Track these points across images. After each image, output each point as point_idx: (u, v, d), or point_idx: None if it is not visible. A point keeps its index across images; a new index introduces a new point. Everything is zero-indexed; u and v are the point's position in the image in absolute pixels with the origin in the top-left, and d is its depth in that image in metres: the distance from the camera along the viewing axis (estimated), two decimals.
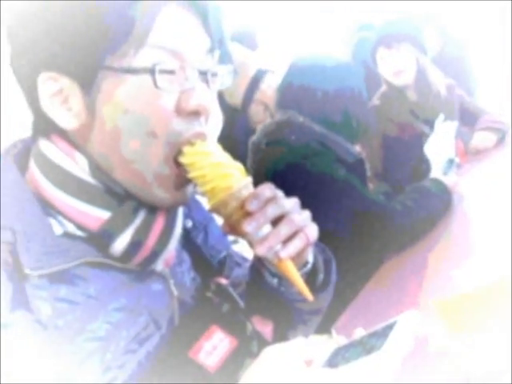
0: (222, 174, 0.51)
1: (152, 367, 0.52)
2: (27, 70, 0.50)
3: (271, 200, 0.52)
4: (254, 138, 1.24)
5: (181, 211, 0.60)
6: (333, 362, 0.46)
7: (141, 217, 0.53)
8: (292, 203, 0.54)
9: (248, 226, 0.50)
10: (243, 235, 0.54)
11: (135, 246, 0.52)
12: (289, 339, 0.69)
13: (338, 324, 0.84)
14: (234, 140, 1.43)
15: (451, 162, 1.41)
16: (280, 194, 0.54)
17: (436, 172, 1.45)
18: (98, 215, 0.51)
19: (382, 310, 0.86)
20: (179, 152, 0.51)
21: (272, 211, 0.51)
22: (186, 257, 0.64)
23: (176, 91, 0.50)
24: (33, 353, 0.45)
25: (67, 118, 0.50)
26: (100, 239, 0.52)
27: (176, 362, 0.52)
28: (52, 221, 0.51)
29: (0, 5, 0.50)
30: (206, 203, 0.63)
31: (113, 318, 0.50)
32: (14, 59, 0.51)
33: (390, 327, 0.44)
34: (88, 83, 0.49)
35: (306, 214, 0.55)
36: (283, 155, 1.07)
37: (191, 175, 0.52)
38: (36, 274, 0.47)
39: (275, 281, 0.63)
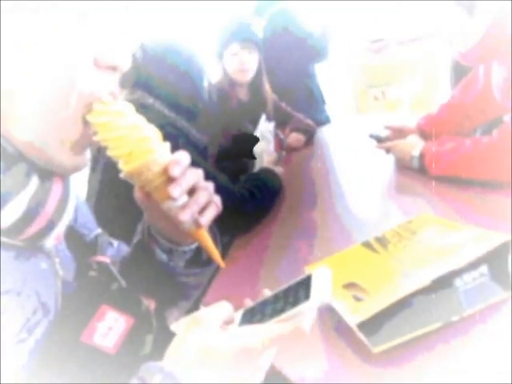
0: (141, 138, 0.48)
1: (42, 357, 0.45)
2: None
3: (189, 167, 0.52)
4: None
5: (73, 180, 0.54)
6: (253, 319, 0.47)
7: (34, 183, 0.45)
8: (201, 173, 0.55)
9: (174, 192, 0.49)
10: (161, 202, 0.52)
11: (29, 215, 0.45)
12: (167, 317, 0.70)
13: (205, 300, 0.86)
14: None
15: (278, 155, 1.58)
16: None
17: (263, 163, 1.60)
18: None
19: (241, 283, 0.92)
20: (88, 110, 0.46)
21: (192, 178, 0.52)
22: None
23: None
24: None
25: None
26: None
27: (69, 348, 0.47)
28: None
29: (0, 5, 0.39)
30: None
31: (3, 301, 0.42)
32: None
33: (305, 281, 0.48)
34: None
35: (211, 185, 0.57)
36: None
37: (102, 137, 0.47)
38: None
39: (164, 256, 0.63)
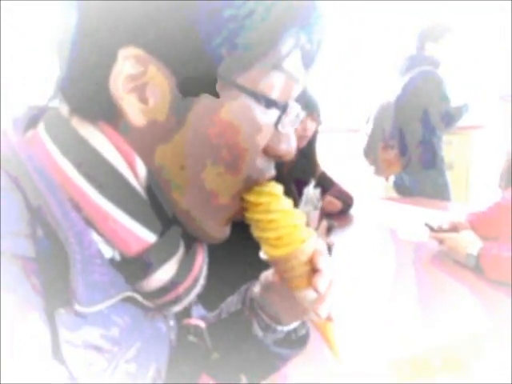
0: (292, 225, 0.48)
1: None
2: (110, 39, 0.37)
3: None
4: None
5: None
6: None
7: (182, 248, 0.45)
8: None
9: (321, 285, 0.48)
10: (297, 290, 0.51)
11: (174, 281, 0.43)
12: None
13: None
14: None
15: (330, 225, 1.59)
16: None
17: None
18: (143, 236, 0.41)
19: None
20: (247, 190, 0.46)
21: (331, 271, 0.51)
22: None
23: (272, 130, 0.44)
24: None
25: (136, 110, 0.39)
26: (135, 267, 0.41)
27: None
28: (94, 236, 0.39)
29: (0, 5, 0.41)
30: None
31: (130, 369, 0.41)
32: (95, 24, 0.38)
33: None
34: None
35: None
36: None
37: (254, 216, 0.47)
38: (88, 311, 0.36)
39: (260, 332, 0.61)
